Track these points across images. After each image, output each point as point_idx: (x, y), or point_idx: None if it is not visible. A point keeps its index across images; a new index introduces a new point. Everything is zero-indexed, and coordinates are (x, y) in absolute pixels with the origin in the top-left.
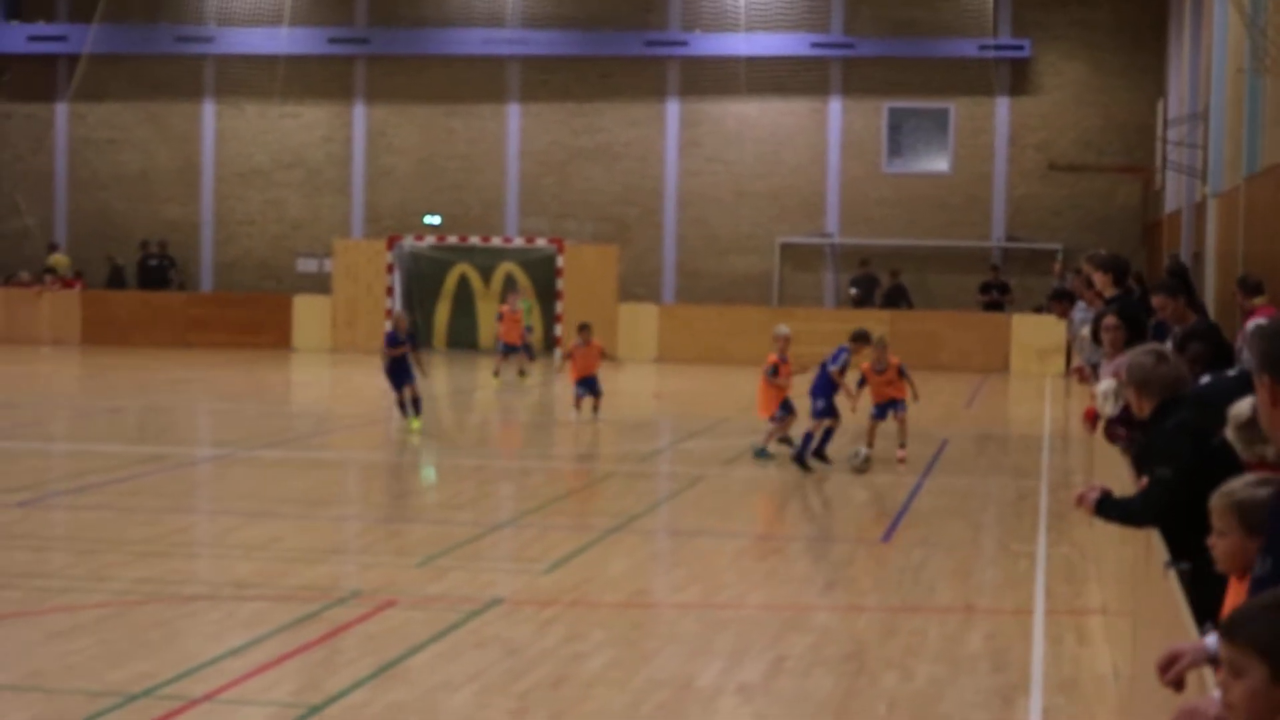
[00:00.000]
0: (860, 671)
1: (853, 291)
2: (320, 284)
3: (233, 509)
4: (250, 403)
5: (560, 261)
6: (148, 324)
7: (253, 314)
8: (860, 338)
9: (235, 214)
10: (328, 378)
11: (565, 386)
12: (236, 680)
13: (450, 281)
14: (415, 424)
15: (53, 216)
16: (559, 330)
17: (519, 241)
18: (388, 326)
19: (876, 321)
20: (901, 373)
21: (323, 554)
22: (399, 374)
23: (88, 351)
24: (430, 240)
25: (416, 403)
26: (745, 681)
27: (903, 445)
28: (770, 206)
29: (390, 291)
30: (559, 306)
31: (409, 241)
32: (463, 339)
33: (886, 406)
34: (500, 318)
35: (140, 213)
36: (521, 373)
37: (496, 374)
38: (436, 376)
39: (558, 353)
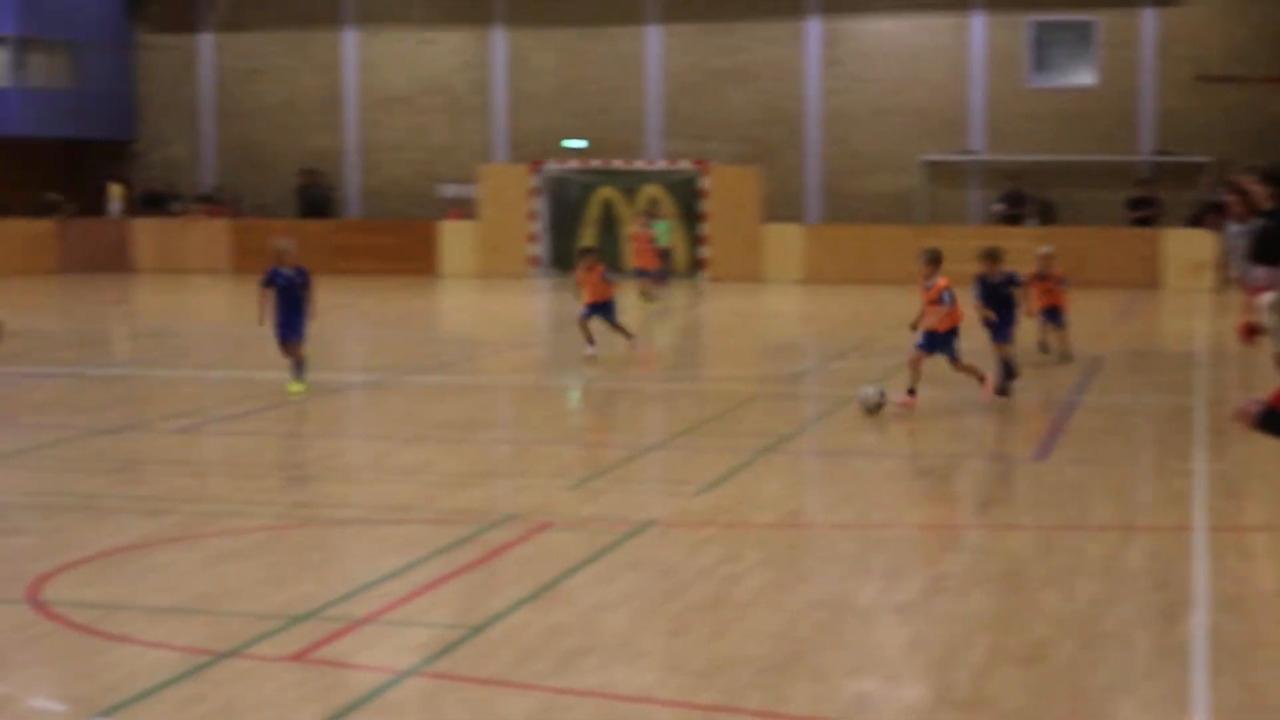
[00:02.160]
0: (1019, 590)
1: (999, 208)
2: (465, 210)
3: (386, 434)
4: (399, 329)
5: (704, 183)
6: (297, 250)
7: (399, 241)
8: (990, 256)
9: (380, 142)
10: (475, 303)
11: (709, 308)
12: (397, 602)
13: (594, 205)
14: (295, 387)
15: (199, 147)
16: (703, 252)
17: (662, 163)
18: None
19: (1025, 239)
20: (1013, 281)
21: (476, 478)
22: (286, 323)
23: (238, 280)
24: (574, 164)
25: (301, 365)
26: (903, 601)
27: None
28: (913, 124)
29: (535, 216)
30: (703, 228)
31: (553, 166)
32: (607, 263)
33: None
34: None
35: (286, 142)
36: (648, 297)
37: (646, 297)
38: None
39: (702, 274)
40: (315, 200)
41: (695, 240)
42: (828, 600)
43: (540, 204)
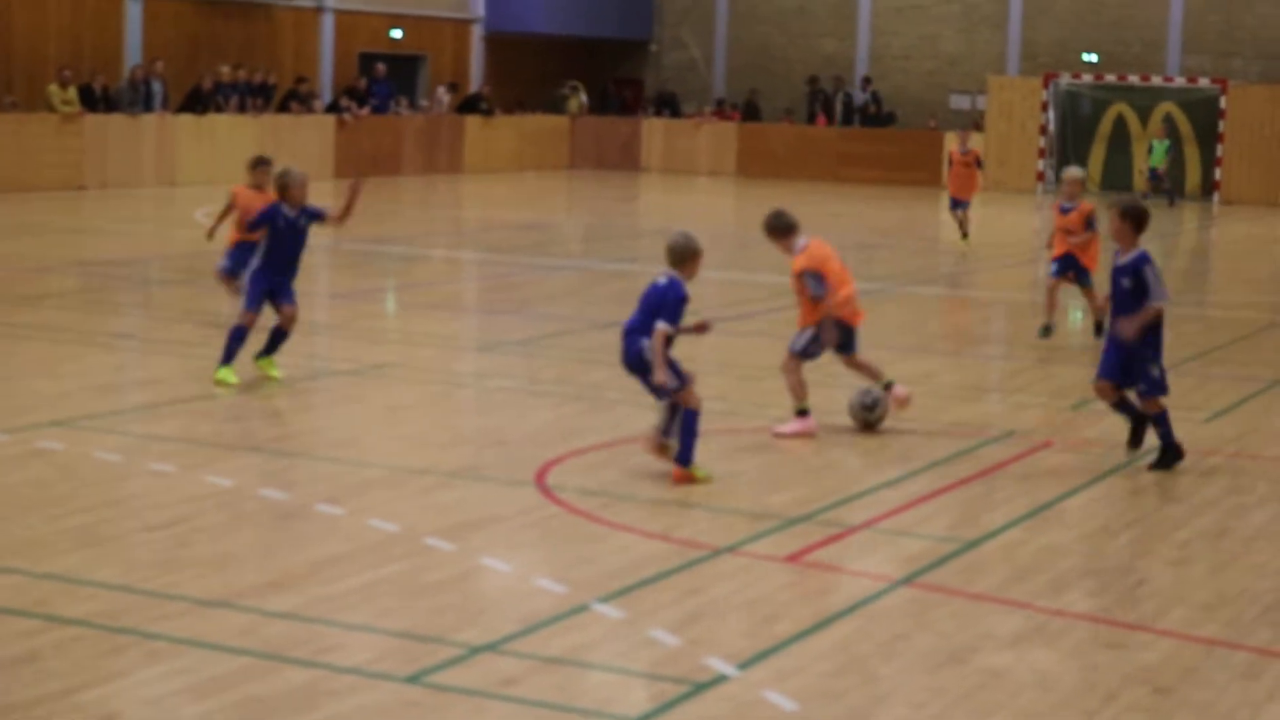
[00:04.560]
0: None
1: None
2: (973, 121)
3: (888, 343)
4: (901, 238)
5: (1223, 103)
6: (801, 157)
7: (905, 150)
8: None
9: (890, 49)
10: (975, 216)
11: (1220, 233)
12: (893, 511)
13: (1106, 122)
14: (268, 368)
15: (713, 49)
16: (1219, 175)
17: (1180, 81)
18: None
19: None
20: (1090, 223)
21: (976, 392)
22: (279, 273)
23: (742, 183)
24: (1087, 79)
25: (278, 337)
26: None
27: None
28: None
29: (1044, 130)
30: (1219, 150)
31: (1065, 80)
32: (1117, 181)
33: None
34: (950, 164)
35: (797, 47)
36: (964, 232)
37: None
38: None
39: (1214, 197)
40: (824, 107)
41: (1209, 162)
42: None
43: (1049, 118)
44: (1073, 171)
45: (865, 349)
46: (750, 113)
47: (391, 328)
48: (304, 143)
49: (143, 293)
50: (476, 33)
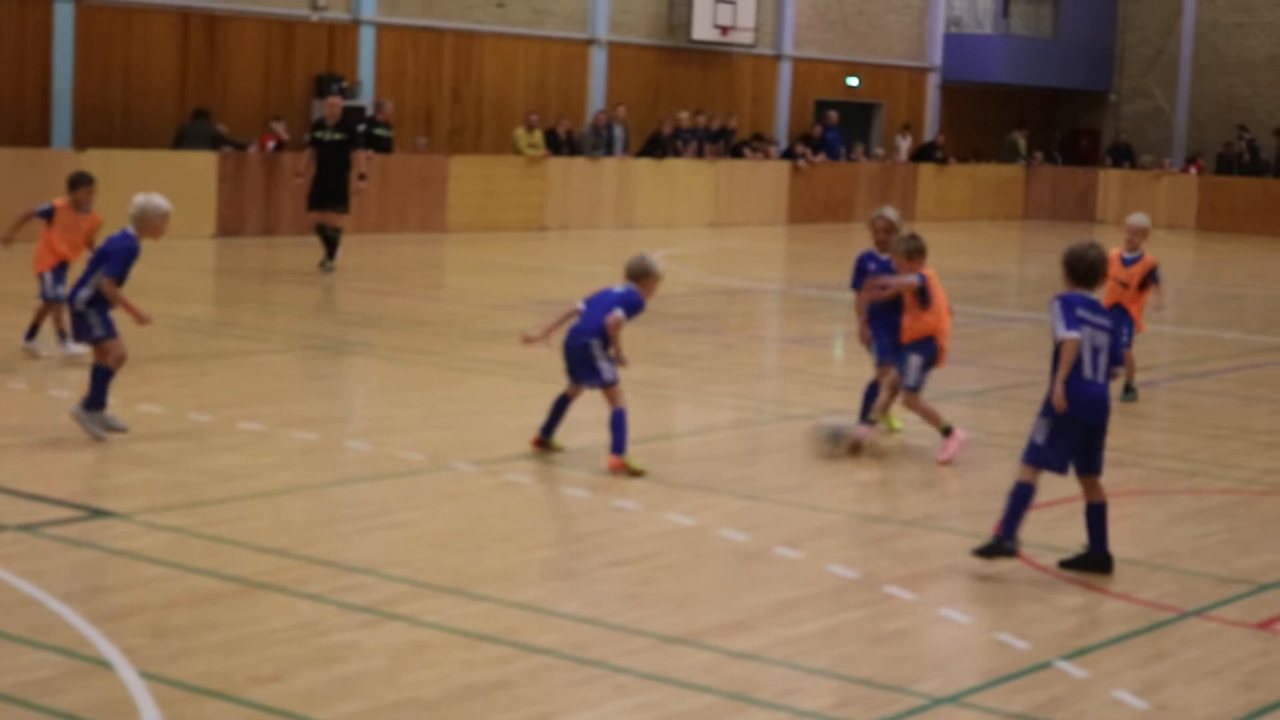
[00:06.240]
0: None
1: None
2: None
3: None
4: None
5: None
6: (1264, 212)
7: None
8: None
9: None
10: None
11: None
12: None
13: None
14: (890, 421)
15: (1174, 100)
16: None
17: None
18: None
19: None
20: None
21: None
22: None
23: (1201, 236)
24: None
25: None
26: None
27: None
28: None
29: None
30: None
31: None
32: None
33: None
34: None
35: (1263, 98)
36: None
37: None
38: None
39: None
40: None
41: None
42: None
43: None
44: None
45: None
46: (1222, 165)
47: (843, 374)
48: (759, 188)
49: None
50: (933, 81)
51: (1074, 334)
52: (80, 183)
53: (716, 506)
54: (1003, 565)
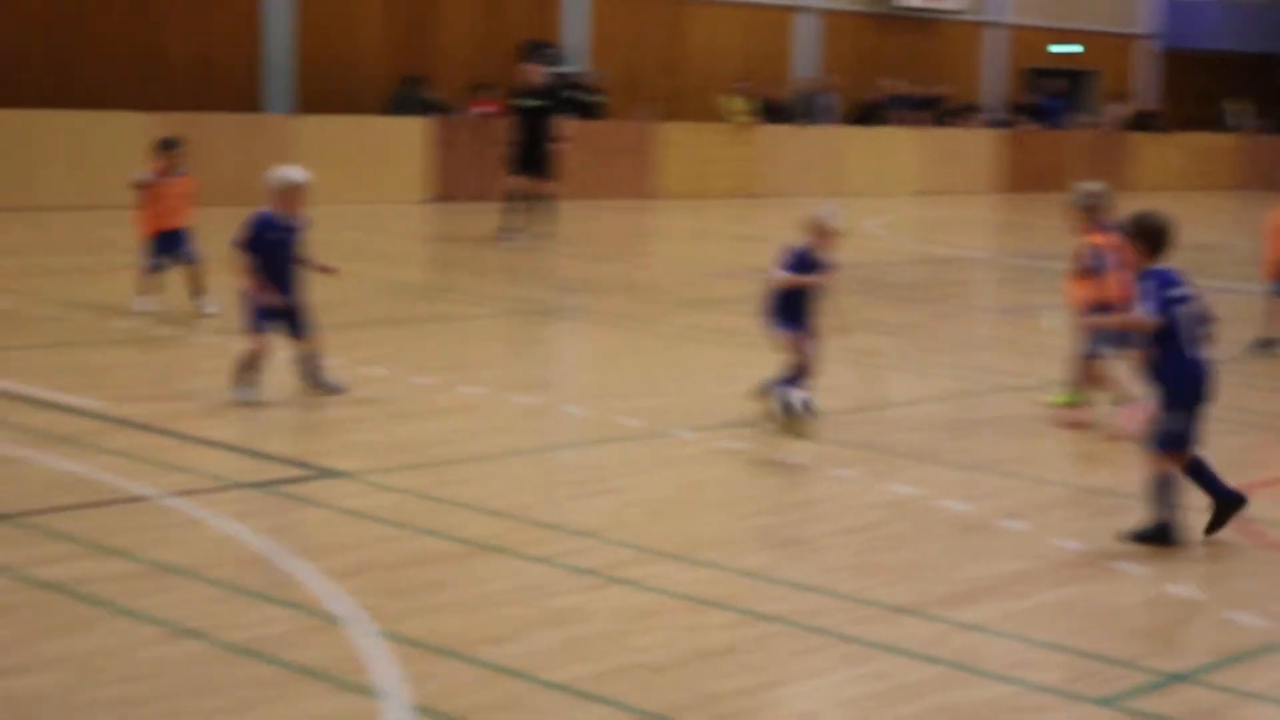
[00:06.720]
0: None
1: None
2: None
3: None
4: None
5: None
6: None
7: None
8: None
9: None
10: None
11: None
12: None
13: None
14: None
15: None
16: None
17: None
18: None
19: None
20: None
21: None
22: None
23: None
24: None
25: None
26: None
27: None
28: None
29: None
30: None
31: None
32: None
33: None
34: None
35: None
36: None
37: None
38: None
39: None
40: None
41: None
42: None
43: None
44: None
45: None
46: None
47: (1056, 344)
48: (969, 156)
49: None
50: (1149, 48)
51: (1159, 318)
52: (169, 146)
53: (937, 477)
54: (1238, 542)
